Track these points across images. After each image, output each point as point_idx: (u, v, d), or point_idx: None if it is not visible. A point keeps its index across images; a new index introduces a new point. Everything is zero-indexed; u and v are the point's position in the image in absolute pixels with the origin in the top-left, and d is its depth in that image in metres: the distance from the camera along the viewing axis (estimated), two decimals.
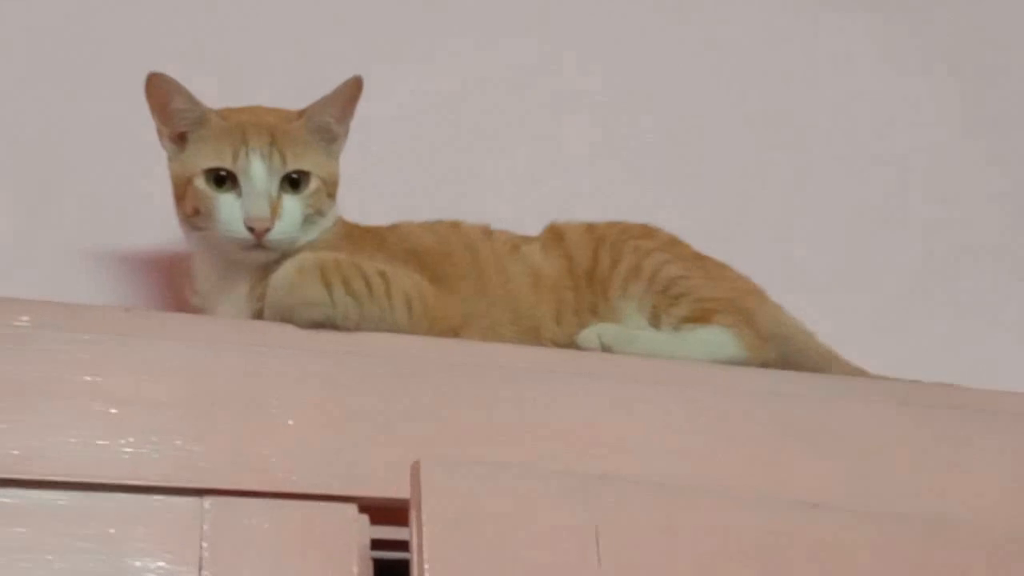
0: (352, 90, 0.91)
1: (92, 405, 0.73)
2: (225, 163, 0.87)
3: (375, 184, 1.18)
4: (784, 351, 1.00)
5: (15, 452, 0.69)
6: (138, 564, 0.69)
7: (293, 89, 0.96)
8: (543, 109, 1.32)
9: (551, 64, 1.34)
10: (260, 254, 0.88)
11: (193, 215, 0.89)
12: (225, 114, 0.90)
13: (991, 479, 0.91)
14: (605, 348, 0.91)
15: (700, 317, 0.95)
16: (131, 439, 0.73)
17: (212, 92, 0.92)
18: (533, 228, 1.03)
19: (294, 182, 0.89)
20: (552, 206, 1.11)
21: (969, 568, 0.85)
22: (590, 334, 0.92)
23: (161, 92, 0.89)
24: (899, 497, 0.87)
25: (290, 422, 0.76)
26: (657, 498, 0.77)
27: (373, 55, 1.19)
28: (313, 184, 0.90)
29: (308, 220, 0.90)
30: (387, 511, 0.76)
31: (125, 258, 1.09)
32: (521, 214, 1.10)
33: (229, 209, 0.87)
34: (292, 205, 0.88)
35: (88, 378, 0.74)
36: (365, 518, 0.75)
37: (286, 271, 0.83)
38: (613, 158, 1.32)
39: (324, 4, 1.22)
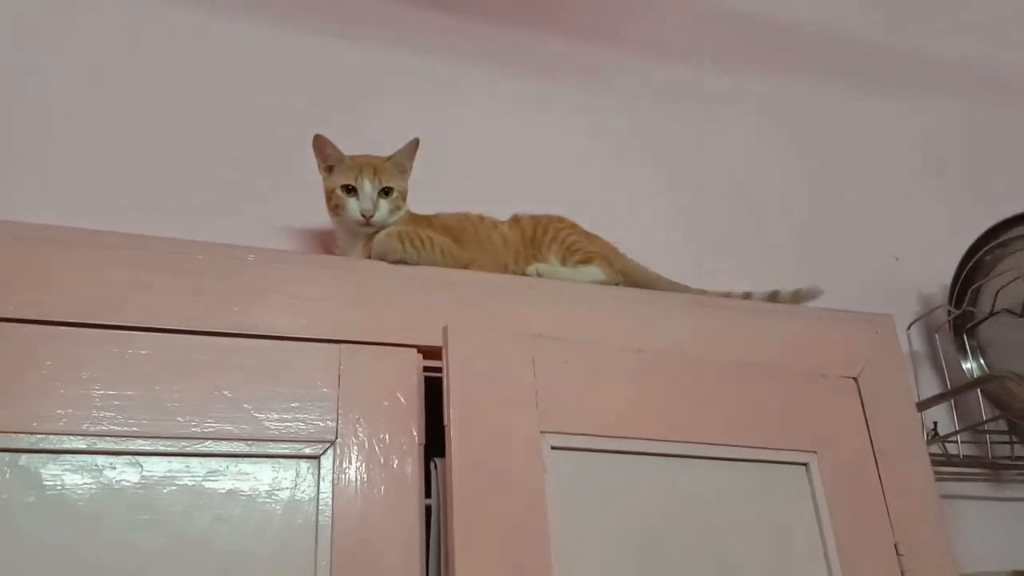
0: (414, 145, 1.19)
1: (288, 300, 0.98)
2: (351, 182, 1.16)
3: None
4: (630, 277, 1.29)
5: (250, 322, 0.93)
6: (307, 379, 0.92)
7: (384, 146, 1.22)
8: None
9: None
10: (368, 229, 1.16)
11: (335, 209, 1.17)
12: (352, 157, 1.18)
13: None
14: (540, 275, 1.19)
15: (586, 260, 1.24)
16: (307, 316, 0.97)
17: (345, 144, 1.20)
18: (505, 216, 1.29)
19: (385, 192, 1.16)
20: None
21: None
22: (531, 268, 1.21)
23: (321, 144, 1.18)
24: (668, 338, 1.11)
25: (384, 309, 1.01)
26: (563, 344, 1.02)
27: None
28: (395, 194, 1.17)
29: (392, 212, 1.17)
30: (432, 352, 0.97)
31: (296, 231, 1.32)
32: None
33: (353, 206, 1.16)
34: (384, 204, 1.16)
35: (285, 287, 0.97)
36: (420, 356, 0.98)
37: (381, 236, 1.11)
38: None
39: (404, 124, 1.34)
